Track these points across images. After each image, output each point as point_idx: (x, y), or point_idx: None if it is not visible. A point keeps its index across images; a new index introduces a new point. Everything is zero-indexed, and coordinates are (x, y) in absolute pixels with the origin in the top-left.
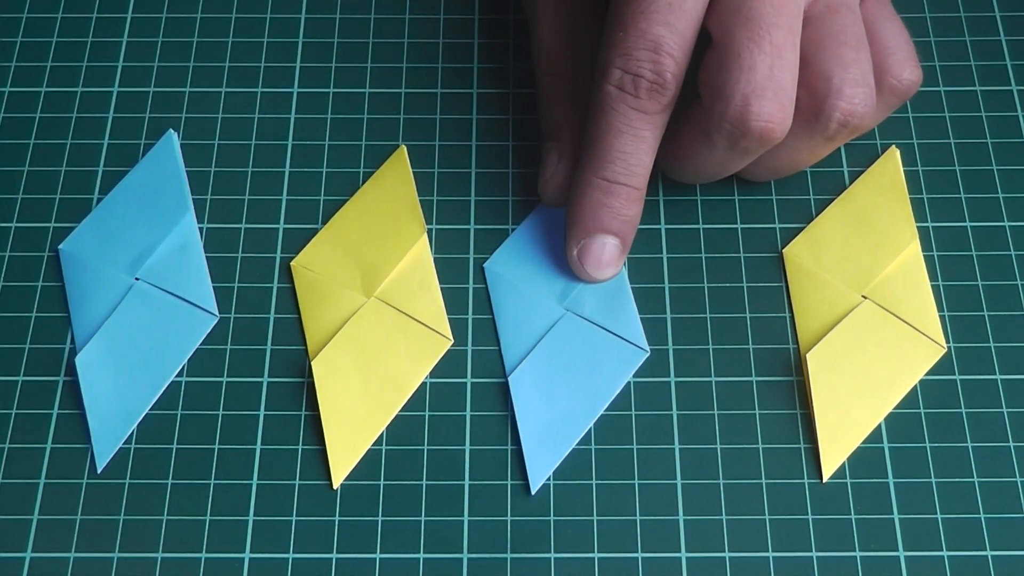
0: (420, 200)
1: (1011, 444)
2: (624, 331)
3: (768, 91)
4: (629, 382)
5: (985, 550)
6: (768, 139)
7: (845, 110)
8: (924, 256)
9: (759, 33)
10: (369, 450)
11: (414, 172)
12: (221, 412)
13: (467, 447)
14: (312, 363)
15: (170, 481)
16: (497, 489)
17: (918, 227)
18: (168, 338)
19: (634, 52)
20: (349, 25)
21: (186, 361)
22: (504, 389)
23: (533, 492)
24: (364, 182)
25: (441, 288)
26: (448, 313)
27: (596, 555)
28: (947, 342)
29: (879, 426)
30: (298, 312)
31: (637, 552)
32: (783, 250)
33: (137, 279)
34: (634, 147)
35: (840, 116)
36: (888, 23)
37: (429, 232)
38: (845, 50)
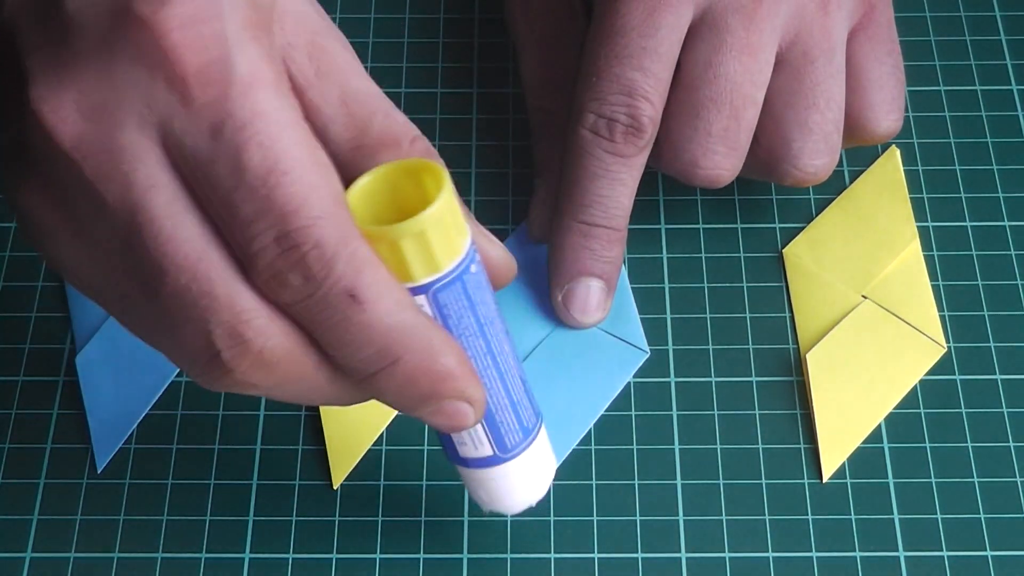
0: None
1: (1011, 444)
2: (624, 332)
3: (718, 154)
4: (629, 382)
5: (985, 550)
6: (713, 187)
7: (798, 178)
8: (924, 256)
9: (722, 95)
10: (369, 450)
11: None
12: (221, 412)
13: None
14: None
15: (170, 481)
16: None
17: (918, 227)
18: None
19: (608, 96)
20: (350, 25)
21: None
22: None
23: None
24: None
25: None
26: None
27: (596, 555)
28: (947, 342)
29: (879, 426)
30: None
31: (637, 552)
32: (783, 250)
33: None
34: (610, 190)
35: (792, 181)
36: (876, 66)
37: None
38: (811, 113)
